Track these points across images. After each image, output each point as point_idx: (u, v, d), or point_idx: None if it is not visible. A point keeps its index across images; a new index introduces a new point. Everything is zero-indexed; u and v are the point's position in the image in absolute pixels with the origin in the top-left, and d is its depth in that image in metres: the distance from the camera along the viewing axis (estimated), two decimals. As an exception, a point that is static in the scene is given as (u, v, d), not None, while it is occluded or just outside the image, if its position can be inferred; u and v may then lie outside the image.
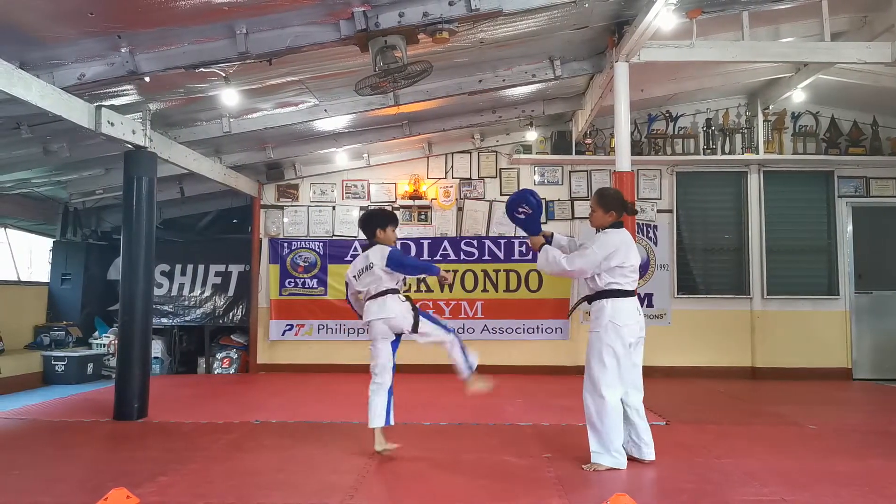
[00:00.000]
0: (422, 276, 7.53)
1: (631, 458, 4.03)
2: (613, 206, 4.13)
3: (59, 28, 4.18)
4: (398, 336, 4.34)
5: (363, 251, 4.45)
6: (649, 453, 4.07)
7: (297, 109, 6.30)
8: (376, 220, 4.45)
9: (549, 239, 4.31)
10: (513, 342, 8.29)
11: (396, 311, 4.23)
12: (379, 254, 4.27)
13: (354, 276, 4.37)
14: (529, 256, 8.29)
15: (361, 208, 8.53)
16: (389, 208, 4.93)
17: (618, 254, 3.99)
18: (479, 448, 4.49)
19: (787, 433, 5.08)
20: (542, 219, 8.19)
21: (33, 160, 6.55)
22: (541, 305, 8.30)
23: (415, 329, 4.28)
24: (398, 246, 4.45)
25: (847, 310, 8.23)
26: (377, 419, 4.22)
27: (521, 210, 4.24)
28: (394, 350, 4.34)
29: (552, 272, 4.20)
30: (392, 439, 4.28)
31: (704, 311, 8.25)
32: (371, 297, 4.29)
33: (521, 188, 4.60)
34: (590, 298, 4.15)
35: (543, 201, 8.35)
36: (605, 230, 4.13)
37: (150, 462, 4.11)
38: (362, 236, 8.27)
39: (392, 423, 4.29)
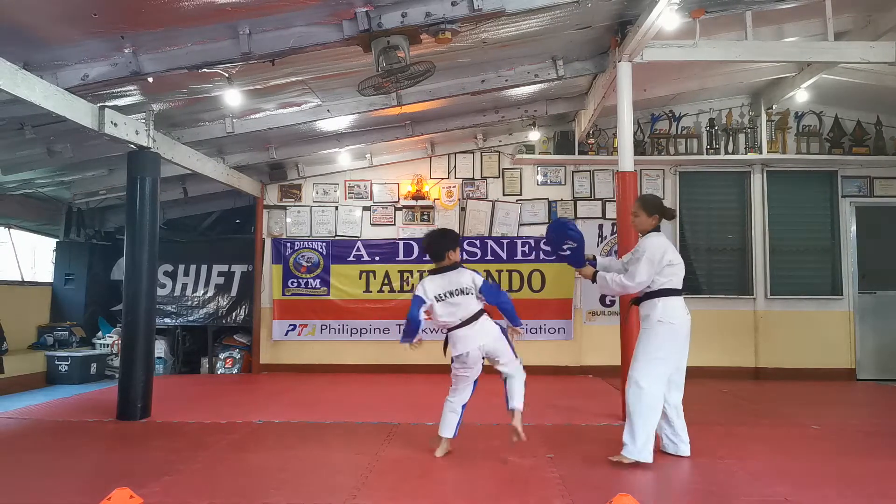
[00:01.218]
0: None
1: (665, 454, 4.27)
2: (657, 210, 4.29)
3: (62, 29, 4.19)
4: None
5: (438, 273, 4.19)
6: (685, 450, 4.29)
7: (299, 110, 6.31)
8: (449, 242, 4.26)
9: (592, 263, 4.44)
10: (516, 342, 8.24)
11: (492, 331, 4.23)
12: (470, 278, 4.15)
13: (437, 297, 4.13)
14: (532, 256, 8.30)
15: (364, 208, 8.55)
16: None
17: (667, 252, 4.17)
18: (481, 448, 4.49)
19: (790, 434, 5.08)
20: (545, 219, 8.34)
21: (37, 161, 6.57)
22: (544, 305, 8.29)
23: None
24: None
25: (851, 310, 8.20)
26: (448, 430, 4.24)
27: (565, 247, 4.34)
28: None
29: (614, 294, 4.33)
30: (396, 439, 4.27)
31: (707, 311, 8.20)
32: (463, 324, 4.13)
33: (554, 220, 4.61)
34: (638, 300, 4.30)
35: (546, 201, 8.51)
36: (648, 234, 4.27)
37: (153, 462, 4.11)
38: (365, 236, 8.52)
39: (457, 435, 4.28)
